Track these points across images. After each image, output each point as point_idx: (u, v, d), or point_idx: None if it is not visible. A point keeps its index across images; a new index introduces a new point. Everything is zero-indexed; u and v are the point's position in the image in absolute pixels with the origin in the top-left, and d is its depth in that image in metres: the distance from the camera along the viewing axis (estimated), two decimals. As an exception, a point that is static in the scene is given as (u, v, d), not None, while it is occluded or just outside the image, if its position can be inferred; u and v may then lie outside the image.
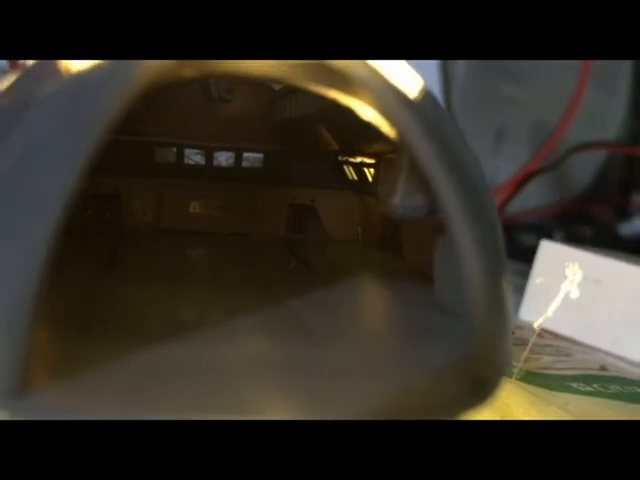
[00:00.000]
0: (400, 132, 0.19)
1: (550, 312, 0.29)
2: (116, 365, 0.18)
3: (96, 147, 0.17)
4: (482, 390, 0.18)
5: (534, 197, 0.60)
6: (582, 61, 0.53)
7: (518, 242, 0.58)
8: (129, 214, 0.32)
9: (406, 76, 0.20)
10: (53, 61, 0.19)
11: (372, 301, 0.28)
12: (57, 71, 0.19)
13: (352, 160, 0.33)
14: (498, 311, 0.18)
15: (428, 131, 0.19)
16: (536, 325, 0.29)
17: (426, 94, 0.21)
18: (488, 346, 0.18)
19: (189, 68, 0.19)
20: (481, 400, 0.18)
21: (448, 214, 0.18)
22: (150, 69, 0.18)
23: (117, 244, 0.30)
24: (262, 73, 0.19)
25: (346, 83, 0.19)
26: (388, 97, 0.19)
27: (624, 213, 0.63)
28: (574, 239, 0.59)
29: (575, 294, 0.34)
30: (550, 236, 0.60)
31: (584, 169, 0.61)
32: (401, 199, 0.23)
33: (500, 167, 0.59)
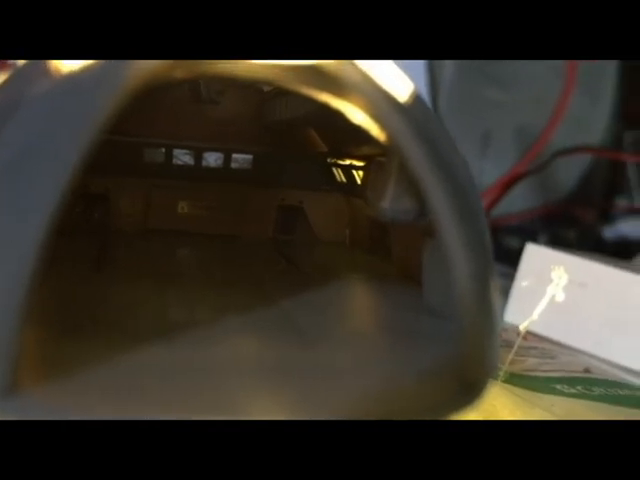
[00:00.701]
0: (390, 135, 0.19)
1: (536, 315, 0.30)
2: (106, 365, 0.18)
3: (89, 147, 0.17)
4: (470, 392, 0.18)
5: (519, 200, 0.60)
6: (568, 65, 0.53)
7: (503, 245, 0.59)
8: (117, 214, 0.31)
9: (396, 79, 0.21)
10: (43, 61, 0.19)
11: (361, 303, 0.28)
12: (48, 71, 0.19)
13: (341, 162, 0.33)
14: (486, 313, 0.18)
15: (418, 134, 0.19)
16: (522, 328, 0.30)
17: (416, 97, 0.21)
18: (476, 348, 0.18)
19: (181, 69, 0.19)
20: (469, 401, 0.18)
21: (437, 216, 0.18)
22: (142, 70, 0.18)
23: (106, 244, 0.30)
24: (254, 75, 0.19)
25: (337, 86, 0.20)
26: (378, 100, 0.19)
27: (608, 216, 0.63)
28: (558, 242, 0.60)
29: (560, 297, 0.34)
30: (535, 239, 0.61)
31: (569, 172, 0.61)
32: (390, 202, 0.24)
33: (486, 170, 0.60)
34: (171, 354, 0.20)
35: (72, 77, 0.18)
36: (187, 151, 0.33)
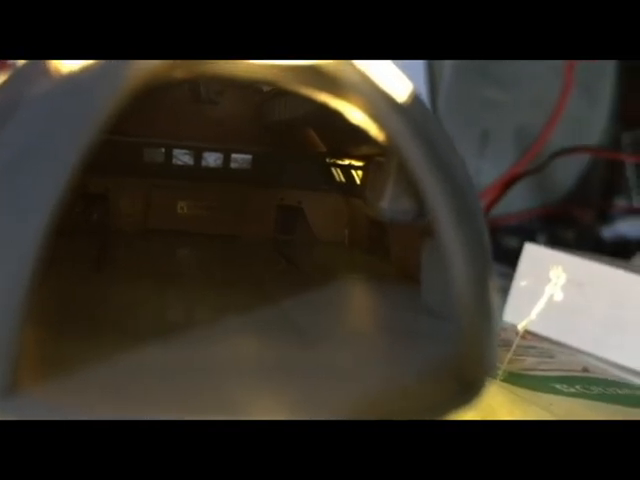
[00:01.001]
0: (389, 135, 0.20)
1: (534, 315, 0.30)
2: (106, 365, 0.18)
3: (88, 147, 0.17)
4: (468, 391, 0.18)
5: (518, 200, 0.60)
6: (566, 66, 0.53)
7: (502, 244, 0.59)
8: (117, 214, 0.31)
9: (395, 80, 0.21)
10: (43, 61, 0.19)
11: (360, 303, 0.28)
12: (47, 71, 0.19)
13: (340, 162, 0.33)
14: (484, 313, 0.18)
15: (416, 134, 0.19)
16: (520, 327, 0.30)
17: (414, 97, 0.21)
18: (474, 348, 0.18)
19: (180, 69, 0.19)
20: (467, 401, 0.18)
21: (436, 217, 0.18)
22: (142, 70, 0.18)
23: (106, 244, 0.30)
24: (253, 75, 0.20)
25: (336, 86, 0.20)
26: (377, 100, 0.19)
27: (607, 216, 0.64)
28: (557, 242, 0.60)
29: (559, 297, 0.35)
30: (533, 239, 0.61)
31: (567, 173, 0.61)
32: (389, 203, 0.24)
33: (484, 170, 0.60)
34: (171, 354, 0.20)
35: (72, 77, 0.18)
36: (187, 151, 0.33)
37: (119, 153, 0.31)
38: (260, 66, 0.19)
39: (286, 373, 0.19)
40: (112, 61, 0.18)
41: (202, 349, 0.20)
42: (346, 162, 0.33)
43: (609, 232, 0.64)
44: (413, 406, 0.18)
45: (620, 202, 0.64)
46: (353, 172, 0.32)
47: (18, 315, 0.16)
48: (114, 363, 0.19)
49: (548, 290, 0.35)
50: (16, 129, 0.18)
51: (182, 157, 0.33)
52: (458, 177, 0.20)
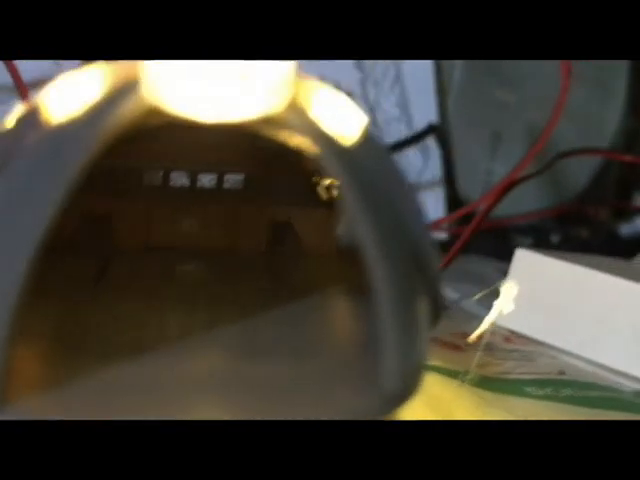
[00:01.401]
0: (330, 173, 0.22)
1: (504, 311, 0.32)
2: (90, 380, 0.21)
3: (70, 188, 0.20)
4: (388, 403, 0.20)
5: (532, 199, 0.61)
6: (562, 63, 0.53)
7: (515, 245, 0.60)
8: (118, 235, 0.34)
9: (344, 120, 0.23)
10: (36, 113, 0.22)
11: (332, 316, 0.30)
12: (39, 123, 0.22)
13: (323, 182, 0.35)
14: (406, 335, 0.21)
15: (352, 175, 0.21)
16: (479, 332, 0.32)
17: (363, 137, 0.23)
18: (394, 362, 0.20)
19: (155, 118, 0.22)
20: (386, 412, 0.20)
21: (363, 250, 0.21)
22: (118, 121, 0.20)
23: (107, 264, 0.32)
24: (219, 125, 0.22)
25: (287, 130, 0.22)
26: (319, 142, 0.22)
27: (623, 215, 0.64)
28: (572, 241, 0.61)
29: (549, 300, 0.36)
30: (548, 238, 0.62)
31: (582, 171, 0.62)
32: (344, 229, 0.26)
33: (495, 171, 0.61)
34: (144, 370, 0.22)
35: (58, 128, 0.21)
36: (183, 173, 0.36)
37: (120, 177, 0.34)
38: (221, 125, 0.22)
39: (249, 387, 0.22)
40: (92, 113, 0.21)
41: (176, 366, 0.23)
42: (327, 181, 0.35)
43: (626, 230, 0.64)
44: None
45: (637, 200, 0.64)
46: (334, 191, 0.34)
47: (7, 332, 0.19)
48: (99, 378, 0.21)
49: (538, 294, 0.37)
50: (10, 173, 0.21)
51: (179, 179, 0.36)
52: (395, 215, 0.22)
